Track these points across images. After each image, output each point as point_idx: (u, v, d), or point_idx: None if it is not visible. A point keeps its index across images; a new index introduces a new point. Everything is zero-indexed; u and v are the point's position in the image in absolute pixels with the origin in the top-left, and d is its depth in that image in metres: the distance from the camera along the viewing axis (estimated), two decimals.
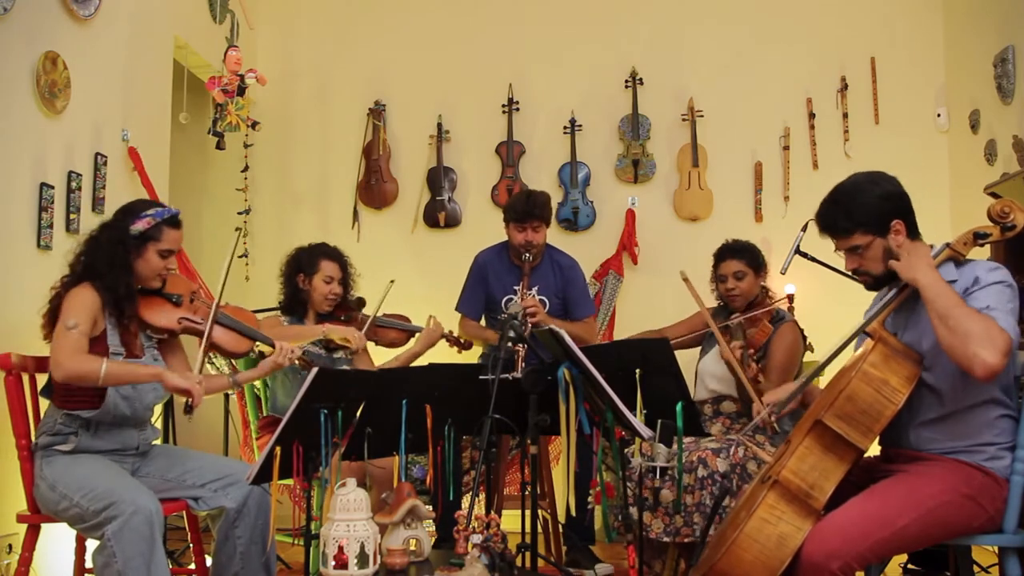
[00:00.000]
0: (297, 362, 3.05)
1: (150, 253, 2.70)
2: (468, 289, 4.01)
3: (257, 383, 3.54)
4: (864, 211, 2.33)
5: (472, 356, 3.97)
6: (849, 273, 3.00)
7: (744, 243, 3.57)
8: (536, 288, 3.85)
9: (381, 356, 3.71)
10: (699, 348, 3.67)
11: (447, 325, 3.90)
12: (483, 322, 4.04)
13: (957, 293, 2.19)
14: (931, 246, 2.37)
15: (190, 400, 2.55)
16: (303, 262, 3.54)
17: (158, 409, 3.86)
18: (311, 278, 3.51)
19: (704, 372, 3.49)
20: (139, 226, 2.68)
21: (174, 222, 2.75)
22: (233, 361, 3.59)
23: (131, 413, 2.65)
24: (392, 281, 3.54)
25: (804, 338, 3.51)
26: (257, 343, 3.02)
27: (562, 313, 3.91)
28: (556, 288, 3.91)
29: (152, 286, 2.76)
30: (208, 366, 3.73)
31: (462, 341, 3.76)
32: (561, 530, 3.62)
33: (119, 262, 2.65)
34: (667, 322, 3.87)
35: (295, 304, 3.53)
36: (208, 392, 2.94)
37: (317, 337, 3.34)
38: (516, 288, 3.80)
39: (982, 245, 2.34)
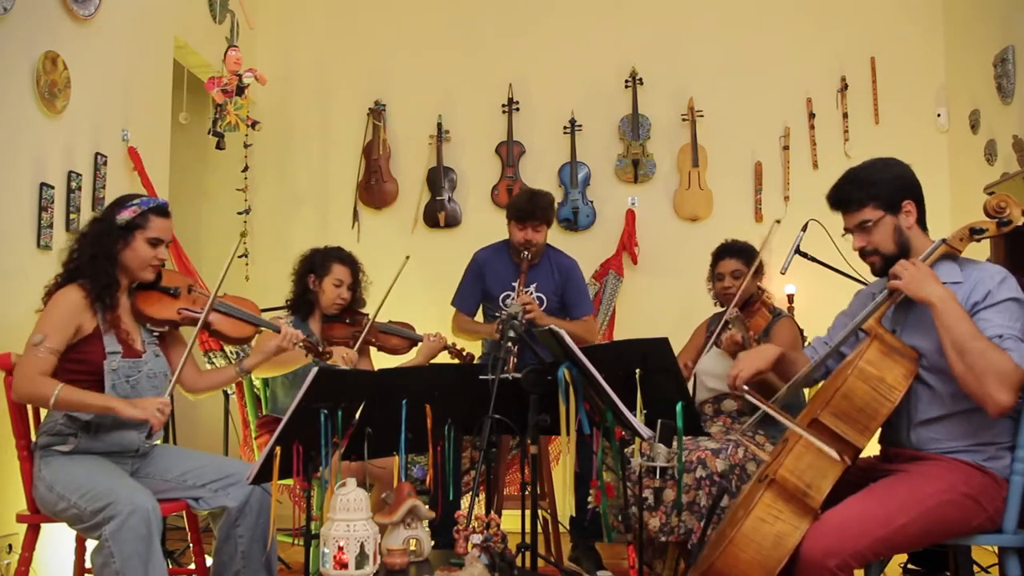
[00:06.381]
0: (301, 345, 2.95)
1: (138, 242, 2.67)
2: (464, 285, 4.01)
3: (257, 382, 3.54)
4: (877, 186, 2.35)
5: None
6: (850, 273, 2.98)
7: (743, 244, 3.57)
8: (534, 285, 3.85)
9: (381, 362, 3.69)
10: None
11: (446, 323, 3.89)
12: (480, 318, 4.04)
13: (969, 318, 2.17)
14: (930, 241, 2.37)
15: (151, 427, 2.55)
16: (316, 263, 3.56)
17: None
18: (321, 280, 3.53)
19: (702, 373, 3.48)
20: (125, 215, 2.67)
21: (161, 211, 2.73)
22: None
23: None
24: (408, 257, 3.52)
25: (801, 333, 3.51)
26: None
27: (559, 312, 3.91)
28: (554, 287, 3.90)
29: (145, 278, 2.73)
30: (209, 365, 3.73)
31: (464, 353, 3.74)
32: (569, 528, 3.62)
33: (102, 253, 2.63)
34: (667, 322, 3.85)
35: (302, 303, 3.56)
36: (217, 386, 2.97)
37: (303, 364, 3.23)
38: (513, 284, 3.79)
39: (979, 241, 2.33)
